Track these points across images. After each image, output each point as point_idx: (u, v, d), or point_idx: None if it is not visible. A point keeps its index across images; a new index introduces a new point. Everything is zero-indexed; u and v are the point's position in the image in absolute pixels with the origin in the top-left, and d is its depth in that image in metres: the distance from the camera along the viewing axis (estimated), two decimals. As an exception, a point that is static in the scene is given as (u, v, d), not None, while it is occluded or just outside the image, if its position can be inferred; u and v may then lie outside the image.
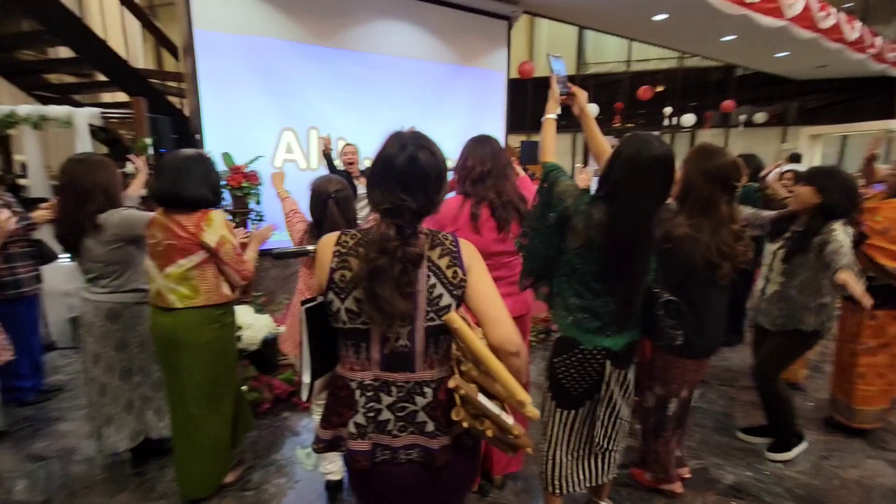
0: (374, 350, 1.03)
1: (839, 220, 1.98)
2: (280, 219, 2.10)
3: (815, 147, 8.25)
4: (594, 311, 1.46)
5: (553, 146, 1.64)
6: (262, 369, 2.75)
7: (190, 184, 1.71)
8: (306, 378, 1.08)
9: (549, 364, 1.57)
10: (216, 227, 1.73)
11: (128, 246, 1.96)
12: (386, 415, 1.04)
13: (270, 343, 2.77)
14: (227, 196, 3.71)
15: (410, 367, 1.04)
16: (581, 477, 1.63)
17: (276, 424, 2.58)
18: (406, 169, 0.99)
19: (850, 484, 2.14)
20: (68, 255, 3.50)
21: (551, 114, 1.65)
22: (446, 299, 1.02)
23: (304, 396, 1.10)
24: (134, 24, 4.76)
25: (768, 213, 2.28)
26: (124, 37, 4.47)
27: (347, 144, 3.94)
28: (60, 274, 3.45)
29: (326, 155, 3.84)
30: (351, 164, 3.84)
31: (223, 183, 3.65)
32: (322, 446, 1.09)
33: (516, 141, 5.59)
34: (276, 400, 2.70)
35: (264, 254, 3.87)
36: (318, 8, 4.02)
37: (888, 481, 2.16)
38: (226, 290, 1.84)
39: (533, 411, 0.90)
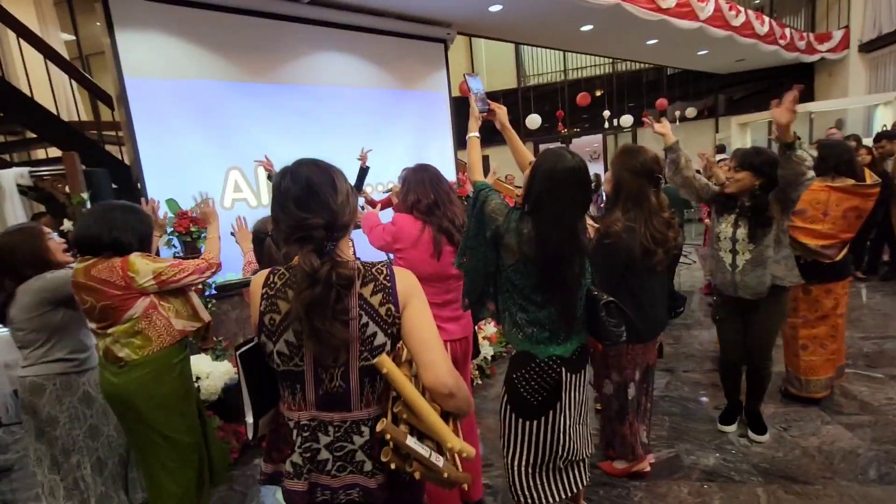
0: (309, 391, 1.02)
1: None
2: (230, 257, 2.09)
3: (744, 134, 8.82)
4: (541, 323, 1.50)
5: (479, 163, 1.68)
6: (226, 418, 2.64)
7: (109, 229, 1.65)
8: (249, 417, 1.08)
9: (506, 379, 1.59)
10: (142, 268, 1.65)
11: (56, 311, 1.81)
12: (324, 454, 1.02)
13: (231, 390, 2.68)
14: (177, 243, 3.61)
15: (346, 406, 1.02)
16: (554, 489, 1.64)
17: (247, 473, 2.48)
18: (295, 187, 0.97)
19: (811, 451, 2.25)
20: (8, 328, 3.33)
21: (473, 132, 1.70)
22: (380, 338, 0.99)
23: (250, 435, 1.09)
24: (62, 77, 4.59)
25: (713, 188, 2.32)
26: (52, 91, 4.30)
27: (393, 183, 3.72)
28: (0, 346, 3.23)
29: (364, 170, 3.58)
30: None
31: (170, 230, 3.56)
32: (264, 479, 1.09)
33: (463, 157, 5.72)
34: (244, 447, 2.60)
35: (219, 297, 3.76)
36: (251, 45, 4.01)
37: (846, 444, 2.28)
38: (178, 324, 1.75)
39: (469, 452, 0.92)
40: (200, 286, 3.43)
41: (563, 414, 1.56)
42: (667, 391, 2.97)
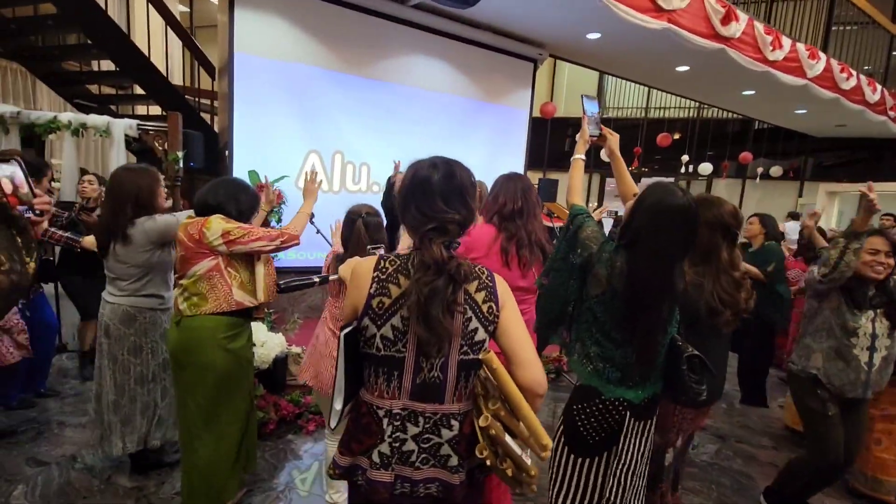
0: (406, 378, 1.02)
1: None
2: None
3: (831, 204, 8.24)
4: (614, 362, 1.43)
5: (580, 187, 1.64)
6: (270, 389, 2.71)
7: (222, 197, 1.82)
8: (338, 404, 1.05)
9: (566, 409, 1.52)
10: (214, 226, 1.74)
11: (156, 251, 2.00)
12: (410, 445, 1.02)
13: (281, 362, 2.74)
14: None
15: (440, 398, 1.03)
16: None
17: (279, 447, 2.52)
18: (445, 183, 1.02)
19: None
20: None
21: (580, 154, 1.66)
22: (481, 334, 1.03)
23: (334, 423, 1.07)
24: (175, 43, 4.95)
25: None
26: (166, 54, 4.65)
27: (401, 173, 3.78)
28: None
29: (391, 183, 3.66)
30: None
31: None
32: (339, 473, 1.07)
33: (534, 178, 5.67)
34: (280, 421, 2.65)
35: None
36: (351, 38, 4.18)
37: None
38: (237, 296, 1.78)
39: (548, 455, 0.97)
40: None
41: (618, 459, 1.47)
42: (717, 459, 2.76)
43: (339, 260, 1.80)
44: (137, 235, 1.95)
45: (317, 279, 1.64)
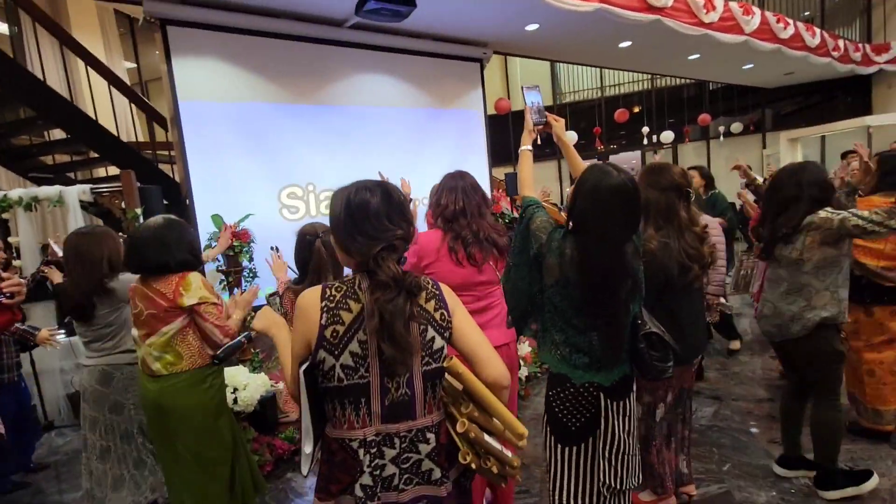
0: (375, 403, 1.00)
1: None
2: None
3: (794, 150, 8.40)
4: (579, 348, 1.44)
5: (531, 178, 1.65)
6: (261, 430, 2.68)
7: (170, 252, 1.73)
8: (308, 447, 1.00)
9: (545, 399, 1.53)
10: (194, 289, 1.73)
11: (125, 307, 2.03)
12: (390, 469, 1.01)
13: (268, 402, 2.71)
14: (219, 256, 3.75)
15: (411, 414, 1.03)
16: None
17: (279, 487, 2.49)
18: (385, 203, 1.03)
19: (882, 494, 2.04)
20: (62, 331, 3.52)
21: (526, 145, 1.67)
22: (438, 342, 1.04)
23: (306, 470, 1.02)
24: (124, 101, 4.93)
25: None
26: (114, 114, 4.63)
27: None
28: (53, 351, 3.42)
29: None
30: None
31: (214, 244, 3.70)
32: None
33: (501, 174, 5.71)
34: (278, 461, 2.62)
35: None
36: (295, 69, 4.18)
37: (920, 485, 2.07)
38: (209, 350, 1.81)
39: (525, 443, 1.02)
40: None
41: (603, 442, 1.47)
42: (714, 420, 2.78)
43: (293, 292, 1.77)
44: (120, 290, 1.98)
45: (243, 339, 1.57)
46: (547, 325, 1.50)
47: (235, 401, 2.50)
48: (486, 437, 1.00)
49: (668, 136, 8.63)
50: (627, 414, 1.50)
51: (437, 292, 1.07)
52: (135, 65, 7.87)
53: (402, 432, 1.01)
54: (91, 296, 1.98)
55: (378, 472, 0.99)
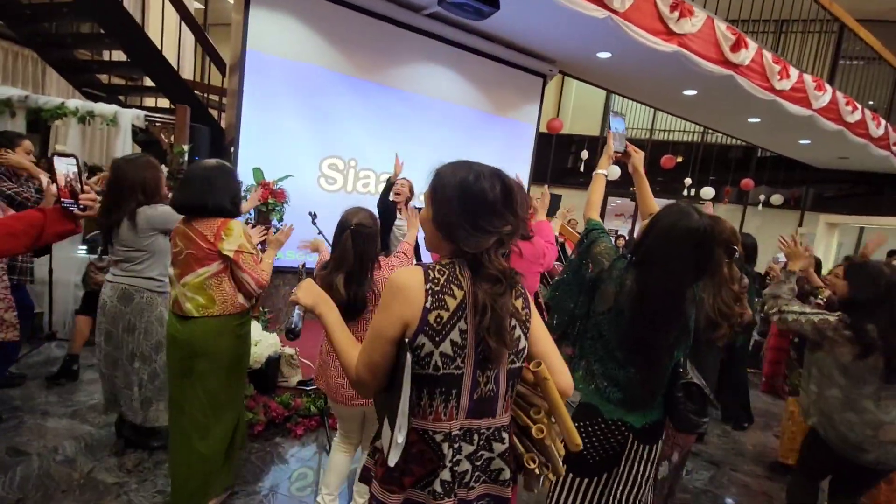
0: (465, 396, 0.96)
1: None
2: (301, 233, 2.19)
3: (831, 235, 8.26)
4: (617, 381, 1.40)
5: (599, 202, 1.64)
6: (261, 389, 2.66)
7: (211, 194, 1.73)
8: (402, 436, 0.92)
9: None
10: (235, 236, 1.73)
11: (159, 237, 2.08)
12: (465, 465, 0.97)
13: (274, 363, 2.70)
14: (251, 211, 3.76)
15: (493, 412, 0.99)
16: None
17: (266, 450, 2.47)
18: (503, 198, 0.96)
19: None
20: (85, 247, 3.54)
21: (602, 169, 1.66)
22: (523, 342, 1.01)
23: (394, 460, 0.93)
24: (188, 39, 4.97)
25: None
26: (178, 48, 4.66)
27: (403, 178, 3.74)
28: (71, 264, 3.45)
29: (391, 183, 3.62)
30: (398, 194, 3.65)
31: (249, 196, 3.71)
32: None
33: (537, 192, 5.68)
34: (269, 423, 2.60)
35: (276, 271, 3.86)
36: (364, 43, 4.20)
37: None
38: (241, 299, 1.82)
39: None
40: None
41: (619, 480, 1.44)
42: (710, 486, 2.72)
43: (320, 279, 1.73)
44: (141, 222, 2.03)
45: (301, 312, 1.23)
46: (587, 352, 1.47)
47: (244, 354, 2.49)
48: (552, 445, 1.01)
49: (708, 192, 8.51)
50: (652, 459, 1.46)
51: (523, 291, 1.03)
52: (203, 6, 7.97)
53: (483, 429, 0.98)
54: (117, 220, 2.02)
55: (457, 467, 0.96)
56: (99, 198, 2.33)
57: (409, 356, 0.91)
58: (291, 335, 1.15)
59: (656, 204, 1.66)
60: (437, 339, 0.92)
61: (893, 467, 1.86)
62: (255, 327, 2.69)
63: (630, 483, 1.44)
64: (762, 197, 8.90)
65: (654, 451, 1.46)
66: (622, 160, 1.71)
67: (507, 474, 1.00)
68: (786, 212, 9.18)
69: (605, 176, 1.65)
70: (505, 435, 1.01)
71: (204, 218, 1.74)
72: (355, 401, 1.75)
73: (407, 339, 0.92)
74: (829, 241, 8.11)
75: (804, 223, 9.16)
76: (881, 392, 1.83)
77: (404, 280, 0.94)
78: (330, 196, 4.26)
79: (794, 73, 5.01)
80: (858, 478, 1.96)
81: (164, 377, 2.11)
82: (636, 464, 1.43)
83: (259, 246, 1.92)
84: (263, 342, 2.58)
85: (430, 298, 0.92)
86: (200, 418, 1.79)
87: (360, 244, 1.68)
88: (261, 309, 3.62)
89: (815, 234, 8.39)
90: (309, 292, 1.09)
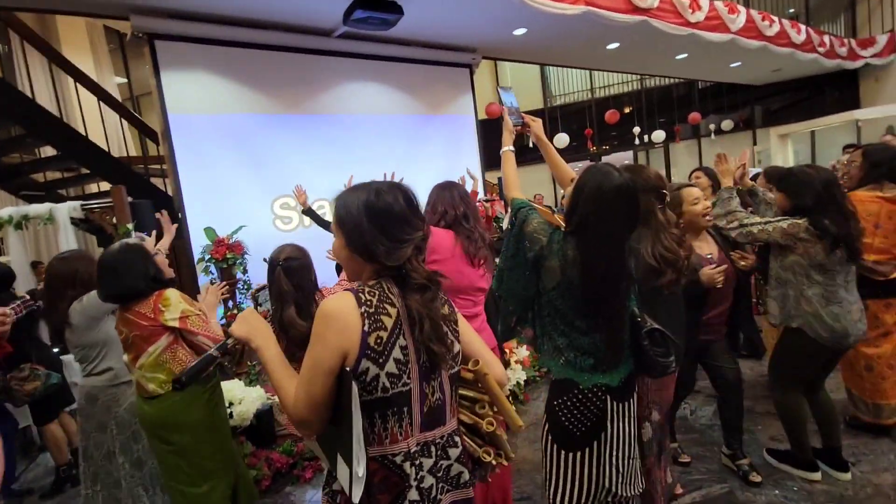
0: (416, 411, 0.96)
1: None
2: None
3: (785, 146, 8.46)
4: (584, 349, 1.42)
5: (515, 179, 1.63)
6: (258, 444, 2.64)
7: (122, 281, 1.73)
8: (361, 468, 0.89)
9: (548, 407, 1.50)
10: (174, 304, 1.74)
11: (105, 323, 2.01)
12: (429, 480, 0.96)
13: (266, 414, 2.68)
14: (213, 269, 3.73)
15: (443, 419, 1.01)
16: None
17: (278, 502, 2.46)
18: (407, 205, 1.00)
19: (886, 489, 2.04)
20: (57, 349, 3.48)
21: (507, 146, 1.65)
22: (456, 346, 1.04)
23: (358, 495, 0.89)
24: (113, 116, 4.92)
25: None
26: (104, 129, 4.61)
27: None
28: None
29: (307, 211, 3.51)
30: None
31: (208, 258, 3.68)
32: None
33: (494, 178, 5.72)
34: (276, 475, 2.58)
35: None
36: (285, 79, 4.19)
37: (924, 479, 2.06)
38: None
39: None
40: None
41: (608, 446, 1.45)
42: (715, 419, 2.76)
43: (255, 300, 1.74)
44: (75, 317, 1.99)
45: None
46: (547, 329, 1.48)
47: (231, 415, 2.47)
48: (501, 433, 1.08)
49: (659, 135, 8.67)
50: (631, 416, 1.49)
51: (445, 297, 1.06)
52: (126, 80, 7.87)
53: (437, 439, 0.99)
54: (60, 317, 1.99)
55: (422, 484, 0.95)
56: (9, 312, 2.32)
57: (354, 385, 0.89)
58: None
59: (567, 167, 1.68)
60: (380, 360, 0.91)
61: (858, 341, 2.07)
62: (238, 385, 2.68)
63: (619, 444, 1.45)
64: (713, 126, 9.08)
65: (632, 406, 1.49)
66: (523, 132, 1.71)
67: (466, 475, 1.02)
68: (738, 134, 9.39)
69: (513, 152, 1.66)
70: (457, 438, 1.03)
71: (137, 299, 1.74)
72: None
73: (348, 368, 0.90)
74: (785, 152, 8.31)
75: (758, 141, 9.37)
76: (847, 277, 2.03)
77: (337, 308, 0.92)
78: (287, 236, 4.24)
79: (704, 2, 5.12)
80: (831, 363, 2.20)
81: (151, 464, 2.05)
82: (620, 423, 1.45)
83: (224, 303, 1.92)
84: (248, 398, 2.57)
85: (366, 321, 0.91)
86: (192, 491, 1.78)
87: (294, 277, 1.68)
88: (248, 363, 3.59)
89: (770, 148, 8.58)
90: (245, 322, 1.02)
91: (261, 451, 2.60)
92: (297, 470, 2.62)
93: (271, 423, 2.72)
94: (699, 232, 2.11)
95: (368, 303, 0.93)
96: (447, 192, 1.88)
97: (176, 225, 2.30)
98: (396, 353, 0.93)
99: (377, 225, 0.96)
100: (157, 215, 2.52)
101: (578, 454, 1.47)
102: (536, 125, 1.71)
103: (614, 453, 1.45)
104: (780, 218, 2.05)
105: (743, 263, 2.16)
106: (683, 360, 1.92)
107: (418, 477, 0.95)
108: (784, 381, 2.18)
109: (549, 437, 1.49)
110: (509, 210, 1.60)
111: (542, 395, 3.33)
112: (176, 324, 1.72)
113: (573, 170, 1.68)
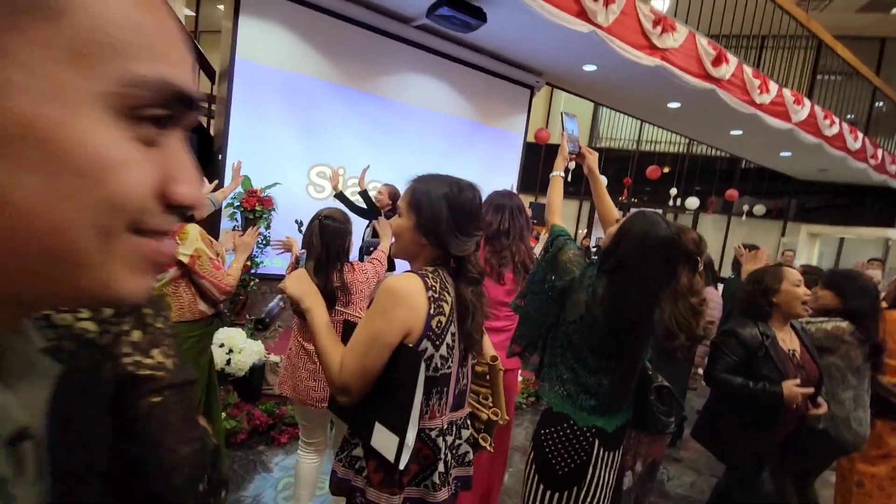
0: (450, 392, 1.06)
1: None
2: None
3: (812, 245, 8.44)
4: (588, 389, 1.41)
5: (559, 205, 1.62)
6: (245, 397, 2.65)
7: None
8: (411, 437, 0.94)
9: (535, 436, 1.49)
10: (190, 240, 1.69)
11: None
12: (449, 456, 1.07)
13: (258, 371, 2.69)
14: (239, 217, 3.76)
15: (463, 403, 1.13)
16: None
17: (249, 458, 2.46)
18: (479, 205, 1.09)
19: None
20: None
21: (558, 171, 1.63)
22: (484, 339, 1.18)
23: (404, 463, 0.94)
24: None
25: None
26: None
27: (387, 184, 3.72)
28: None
29: (339, 195, 3.53)
30: (378, 202, 3.63)
31: (237, 204, 3.71)
32: None
33: (526, 201, 5.75)
34: (252, 432, 2.59)
35: (264, 278, 3.85)
36: (354, 53, 4.24)
37: None
38: (203, 307, 1.77)
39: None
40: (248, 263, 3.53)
41: (587, 492, 1.45)
42: (691, 492, 2.75)
43: (297, 262, 1.75)
44: None
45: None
46: (556, 360, 1.47)
47: (228, 362, 2.48)
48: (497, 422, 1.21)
49: (692, 202, 8.67)
50: (614, 467, 1.49)
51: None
52: (194, 13, 7.99)
53: (459, 420, 1.10)
54: None
55: (447, 458, 1.05)
56: None
57: (423, 362, 0.96)
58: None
59: (613, 206, 1.68)
60: (437, 342, 0.99)
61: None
62: (240, 334, 2.69)
63: (598, 493, 1.45)
64: (746, 207, 9.07)
65: (616, 456, 1.48)
66: (576, 161, 1.69)
67: (470, 455, 1.12)
68: (769, 222, 9.38)
69: (563, 178, 1.65)
70: (469, 421, 1.16)
71: None
72: (324, 403, 1.74)
73: (411, 345, 0.96)
74: (811, 251, 8.29)
75: (787, 233, 9.36)
76: (868, 386, 2.07)
77: (408, 288, 0.97)
78: (318, 204, 4.26)
79: (773, 87, 5.16)
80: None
81: None
82: (602, 472, 1.45)
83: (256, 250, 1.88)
84: (247, 350, 2.57)
85: (432, 305, 0.98)
86: None
87: (325, 236, 1.69)
88: (247, 316, 3.61)
89: (798, 244, 8.56)
90: (298, 283, 1.05)
91: (244, 405, 2.61)
92: (274, 431, 2.62)
93: (261, 381, 2.73)
94: (788, 319, 1.91)
95: (433, 287, 1.00)
96: (502, 200, 1.88)
97: (243, 176, 2.27)
98: (448, 337, 1.01)
99: (454, 217, 1.03)
100: (232, 164, 2.55)
101: (556, 495, 1.46)
102: (592, 157, 1.69)
103: (590, 501, 1.44)
104: (821, 319, 2.04)
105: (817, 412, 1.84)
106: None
107: (445, 452, 1.04)
108: (785, 471, 2.16)
109: (533, 468, 1.49)
110: (547, 235, 1.58)
111: (524, 423, 3.33)
112: (185, 259, 1.68)
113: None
